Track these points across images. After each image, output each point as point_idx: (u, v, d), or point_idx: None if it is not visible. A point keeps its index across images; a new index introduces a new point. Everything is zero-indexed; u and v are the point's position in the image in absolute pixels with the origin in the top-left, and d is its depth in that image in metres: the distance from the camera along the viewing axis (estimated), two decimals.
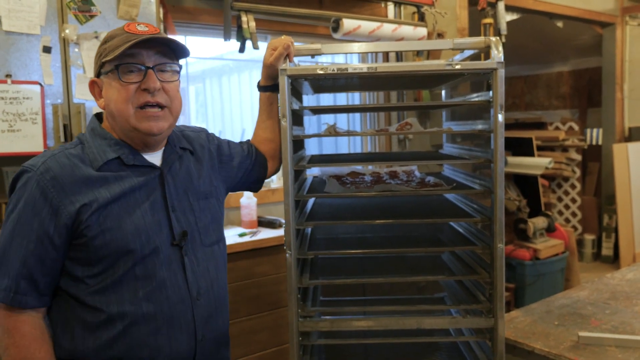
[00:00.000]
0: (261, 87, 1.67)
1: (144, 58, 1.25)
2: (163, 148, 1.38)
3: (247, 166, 1.63)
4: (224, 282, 1.44)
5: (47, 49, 2.23)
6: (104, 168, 1.26)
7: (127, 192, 1.26)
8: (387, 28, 3.32)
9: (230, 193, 1.63)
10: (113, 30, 1.29)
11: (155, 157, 1.35)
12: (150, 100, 1.25)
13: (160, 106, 1.28)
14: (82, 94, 2.30)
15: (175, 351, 1.28)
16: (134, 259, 1.23)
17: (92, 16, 2.31)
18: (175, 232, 1.31)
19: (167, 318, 1.27)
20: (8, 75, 2.16)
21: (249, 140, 1.71)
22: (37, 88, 2.21)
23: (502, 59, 1.48)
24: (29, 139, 2.21)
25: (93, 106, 2.32)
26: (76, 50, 2.29)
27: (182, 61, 1.36)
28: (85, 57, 2.30)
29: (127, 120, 1.26)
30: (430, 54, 3.75)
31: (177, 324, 1.28)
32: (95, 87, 1.32)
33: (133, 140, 1.30)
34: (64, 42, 2.27)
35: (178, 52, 1.32)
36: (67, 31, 2.25)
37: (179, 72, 1.33)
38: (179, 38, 3.04)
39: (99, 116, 1.37)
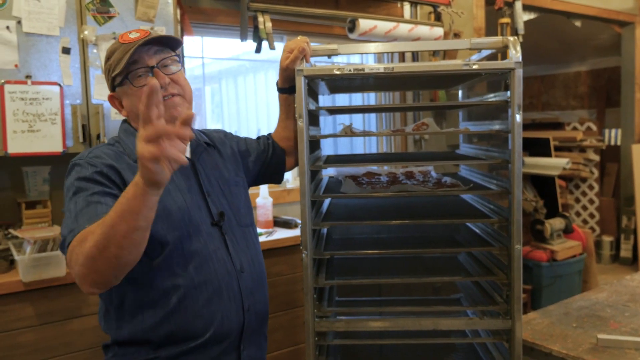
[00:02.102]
0: (279, 89, 1.71)
1: (146, 60, 1.36)
2: (189, 142, 1.44)
3: (263, 160, 1.72)
4: (261, 261, 1.54)
5: (66, 50, 2.26)
6: None
7: None
8: (404, 28, 3.31)
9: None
10: (111, 46, 1.41)
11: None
12: (164, 94, 1.35)
13: (174, 95, 1.38)
14: (100, 95, 2.33)
15: (227, 320, 1.37)
16: (180, 236, 1.33)
17: (110, 17, 2.34)
18: (213, 213, 1.42)
19: (216, 289, 1.35)
20: (28, 76, 2.19)
21: (270, 134, 1.79)
22: (57, 89, 2.24)
23: (520, 59, 1.47)
24: (48, 139, 2.24)
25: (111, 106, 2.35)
26: (95, 51, 2.31)
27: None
28: (104, 58, 2.33)
29: None
30: (447, 54, 3.74)
31: (225, 295, 1.37)
32: (114, 101, 1.44)
33: None
34: (83, 43, 2.29)
35: (172, 44, 1.41)
36: (85, 32, 2.28)
37: (179, 62, 1.43)
38: (195, 39, 3.06)
39: (127, 120, 1.48)
